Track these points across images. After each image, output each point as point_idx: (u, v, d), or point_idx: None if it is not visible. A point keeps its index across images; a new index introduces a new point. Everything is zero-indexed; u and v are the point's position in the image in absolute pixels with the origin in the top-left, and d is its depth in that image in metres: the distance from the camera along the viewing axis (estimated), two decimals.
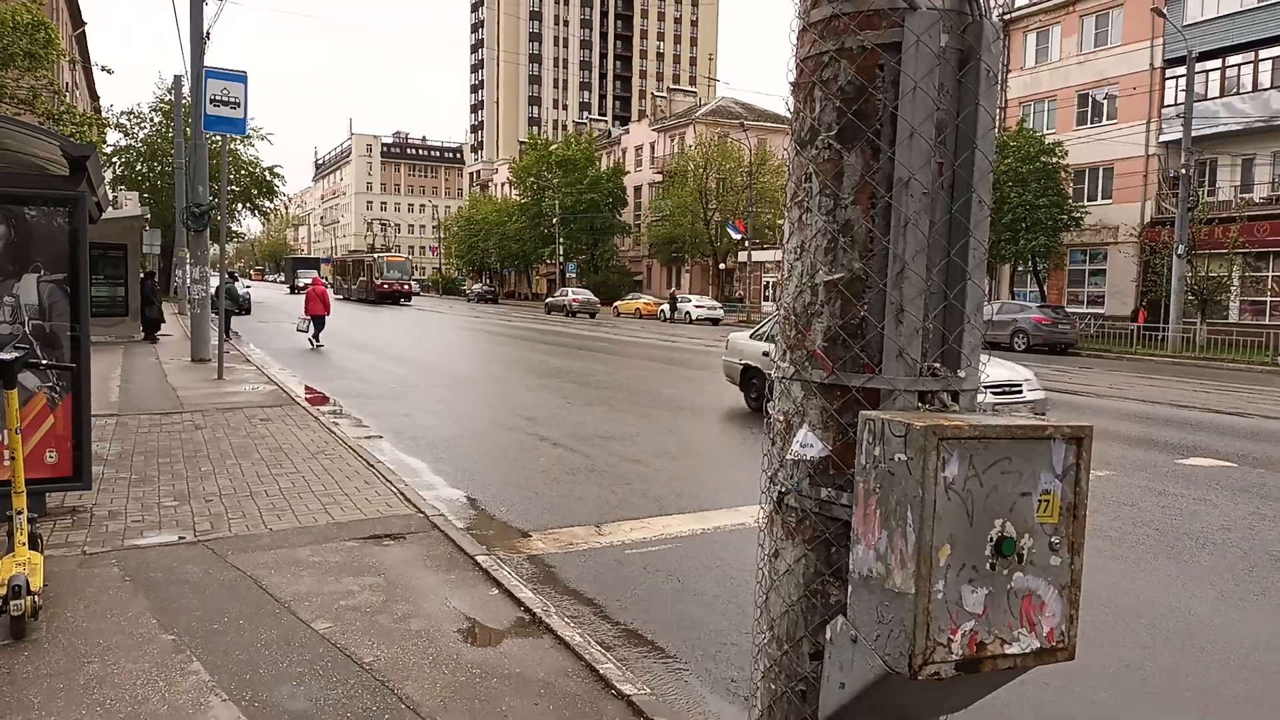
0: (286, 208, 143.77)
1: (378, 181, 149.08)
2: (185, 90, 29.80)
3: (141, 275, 24.19)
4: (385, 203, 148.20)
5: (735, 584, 5.65)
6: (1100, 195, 37.21)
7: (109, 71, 23.04)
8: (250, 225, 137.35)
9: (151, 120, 48.37)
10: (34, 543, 4.93)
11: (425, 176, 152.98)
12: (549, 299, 57.58)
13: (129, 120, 47.49)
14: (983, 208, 1.94)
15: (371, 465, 8.44)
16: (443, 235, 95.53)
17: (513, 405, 13.77)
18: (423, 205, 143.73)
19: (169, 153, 41.99)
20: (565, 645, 4.51)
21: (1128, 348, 30.50)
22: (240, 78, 14.76)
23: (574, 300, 51.84)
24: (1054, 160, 34.49)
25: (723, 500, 7.80)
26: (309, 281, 26.06)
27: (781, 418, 2.09)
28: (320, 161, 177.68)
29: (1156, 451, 10.65)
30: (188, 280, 20.12)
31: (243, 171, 49.38)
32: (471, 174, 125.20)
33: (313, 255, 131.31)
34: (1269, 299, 32.10)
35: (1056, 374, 21.45)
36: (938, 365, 1.92)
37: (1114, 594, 5.63)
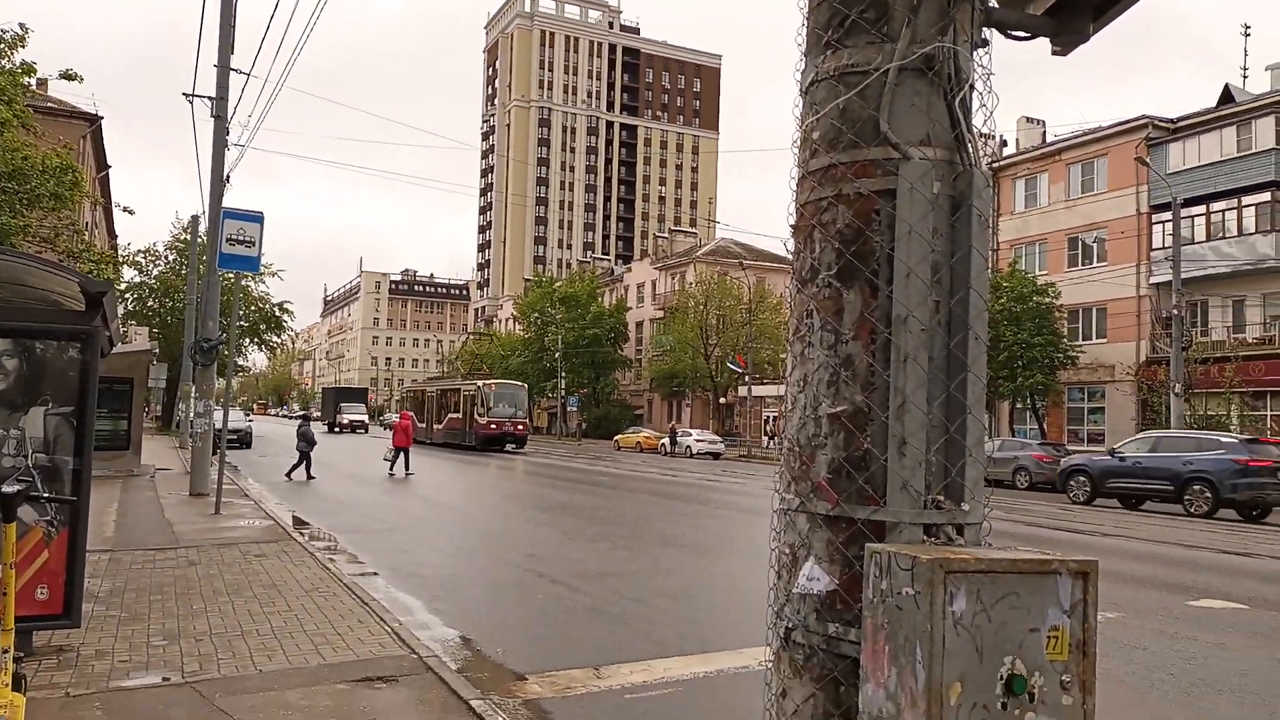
0: (293, 342, 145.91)
1: (384, 317, 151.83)
2: (202, 229, 30.79)
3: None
4: (390, 338, 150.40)
5: None
6: (1095, 334, 37.79)
7: (130, 212, 23.87)
8: (256, 359, 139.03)
9: (166, 258, 49.68)
10: (17, 683, 4.77)
11: (431, 312, 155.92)
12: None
13: (144, 258, 48.83)
14: (979, 344, 2.00)
15: (366, 604, 8.25)
16: (446, 370, 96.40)
17: (512, 541, 13.57)
18: (427, 340, 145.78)
19: (181, 289, 42.94)
20: None
21: None
22: (257, 218, 15.27)
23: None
24: (1047, 300, 35.24)
25: (727, 641, 7.59)
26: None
27: (788, 550, 2.08)
28: (329, 298, 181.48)
29: (1167, 593, 10.42)
30: (191, 414, 20.26)
31: (253, 307, 50.33)
32: (477, 310, 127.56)
33: (356, 386, 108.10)
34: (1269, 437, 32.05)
35: (1062, 512, 21.20)
36: (942, 498, 1.93)
37: None
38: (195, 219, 35.32)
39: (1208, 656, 7.47)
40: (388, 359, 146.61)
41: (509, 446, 43.10)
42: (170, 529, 12.84)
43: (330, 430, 66.74)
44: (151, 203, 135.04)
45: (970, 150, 2.06)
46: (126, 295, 48.13)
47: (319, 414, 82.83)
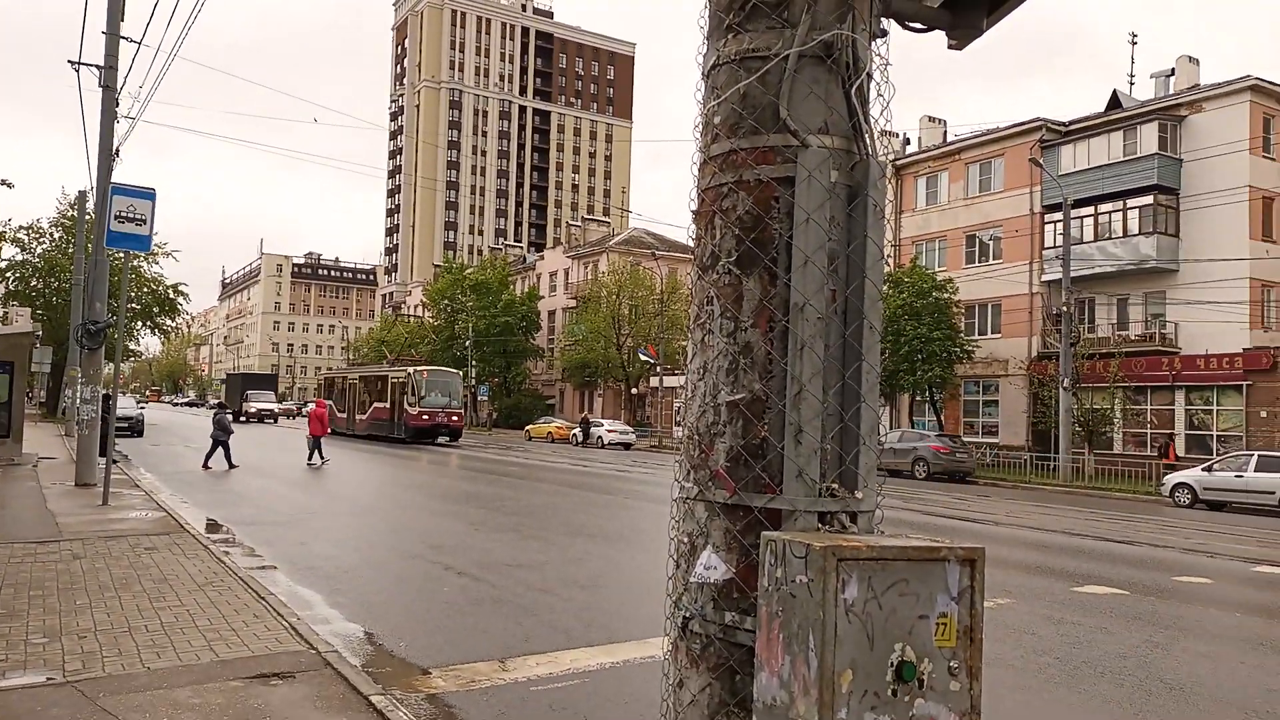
0: (189, 327, 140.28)
1: (286, 301, 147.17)
2: (90, 205, 29.24)
3: None
4: (293, 323, 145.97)
5: None
6: (990, 330, 39.24)
7: (9, 185, 22.51)
8: (149, 344, 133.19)
9: (51, 236, 47.05)
10: None
11: (336, 297, 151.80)
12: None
13: (27, 235, 46.14)
14: (874, 333, 2.01)
15: (262, 598, 7.98)
16: (352, 357, 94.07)
17: (417, 532, 13.33)
18: (332, 326, 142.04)
19: (67, 269, 40.72)
20: None
21: (1022, 476, 31.62)
22: (149, 195, 14.57)
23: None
24: (945, 296, 36.42)
25: (633, 631, 7.60)
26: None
27: (686, 539, 2.07)
28: (228, 280, 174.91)
29: (1054, 579, 10.90)
30: (77, 400, 19.24)
31: (145, 289, 48.10)
32: (385, 295, 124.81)
33: (262, 372, 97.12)
34: (1149, 431, 33.88)
35: (958, 501, 21.99)
36: (836, 486, 1.94)
37: None
38: (83, 194, 33.51)
39: (1091, 640, 7.83)
40: (290, 345, 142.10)
41: (441, 439, 40.07)
42: (53, 520, 12.18)
43: (236, 420, 63.75)
44: (36, 176, 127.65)
45: (867, 140, 2.07)
46: (7, 274, 45.44)
47: (177, 398, 76.81)
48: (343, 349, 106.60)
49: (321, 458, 25.52)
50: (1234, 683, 6.73)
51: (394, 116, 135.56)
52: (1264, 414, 30.51)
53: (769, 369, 1.99)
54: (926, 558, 1.77)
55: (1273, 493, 22.15)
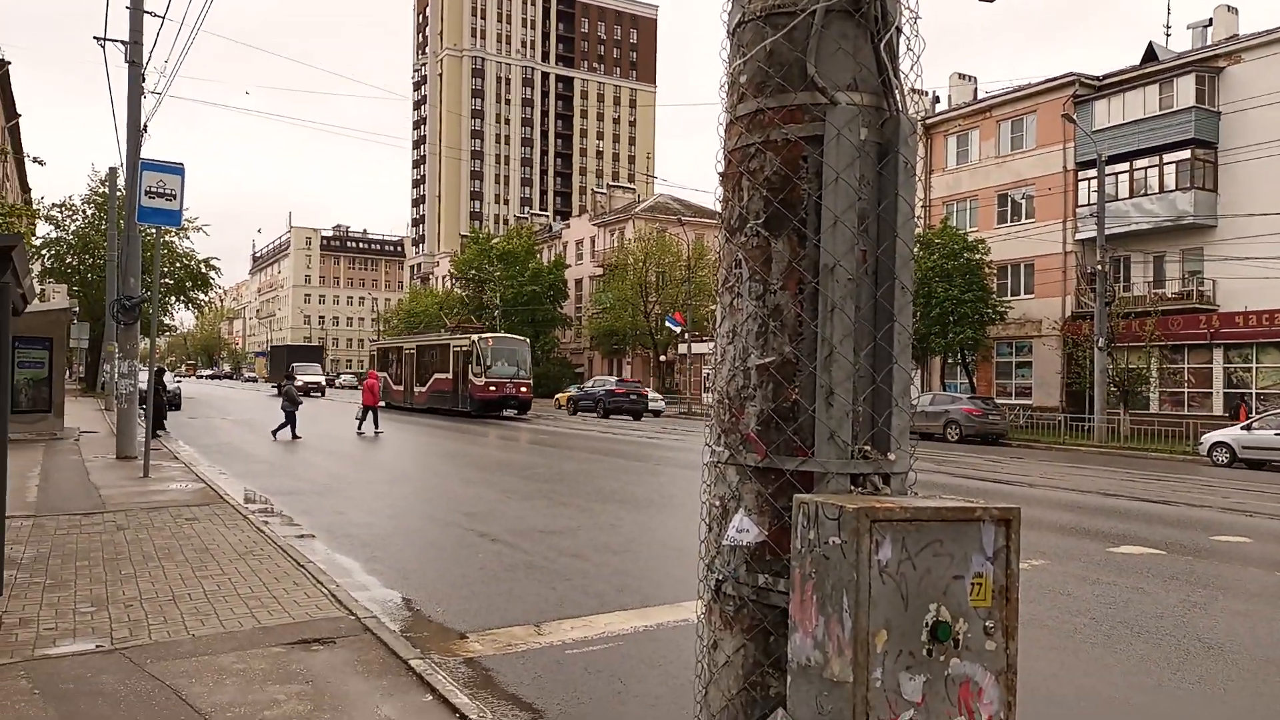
0: (222, 300, 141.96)
1: (316, 274, 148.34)
2: (120, 182, 29.54)
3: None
4: (324, 295, 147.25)
5: (679, 683, 5.49)
6: (1023, 290, 38.70)
7: (41, 163, 22.84)
8: (183, 318, 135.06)
9: (84, 213, 47.63)
10: None
11: (365, 269, 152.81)
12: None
13: (60, 212, 46.74)
14: (905, 294, 1.99)
15: (301, 566, 8.13)
16: (382, 328, 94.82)
17: (451, 501, 13.48)
18: (362, 298, 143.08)
19: (101, 245, 41.22)
20: None
21: (1056, 438, 31.32)
22: (177, 170, 14.68)
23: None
24: (977, 256, 35.91)
25: (665, 595, 7.66)
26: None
27: (718, 503, 2.07)
28: (258, 254, 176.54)
29: (1089, 540, 10.82)
30: (115, 375, 19.60)
31: (177, 264, 48.67)
32: (413, 267, 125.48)
33: (306, 344, 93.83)
34: (1186, 390, 33.38)
35: (990, 464, 21.84)
36: (868, 448, 1.93)
37: (1054, 684, 5.61)
38: (114, 171, 33.82)
39: (1127, 600, 7.78)
40: (321, 317, 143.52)
41: (509, 412, 37.22)
42: (96, 493, 12.45)
43: (279, 393, 63.30)
44: (67, 152, 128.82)
45: (897, 96, 2.03)
46: (42, 251, 46.10)
47: (268, 376, 73.36)
48: (373, 320, 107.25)
49: (376, 428, 26.32)
50: (1273, 640, 6.67)
51: (417, 86, 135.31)
52: None
53: (799, 331, 1.97)
54: (961, 518, 1.76)
55: None
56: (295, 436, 23.21)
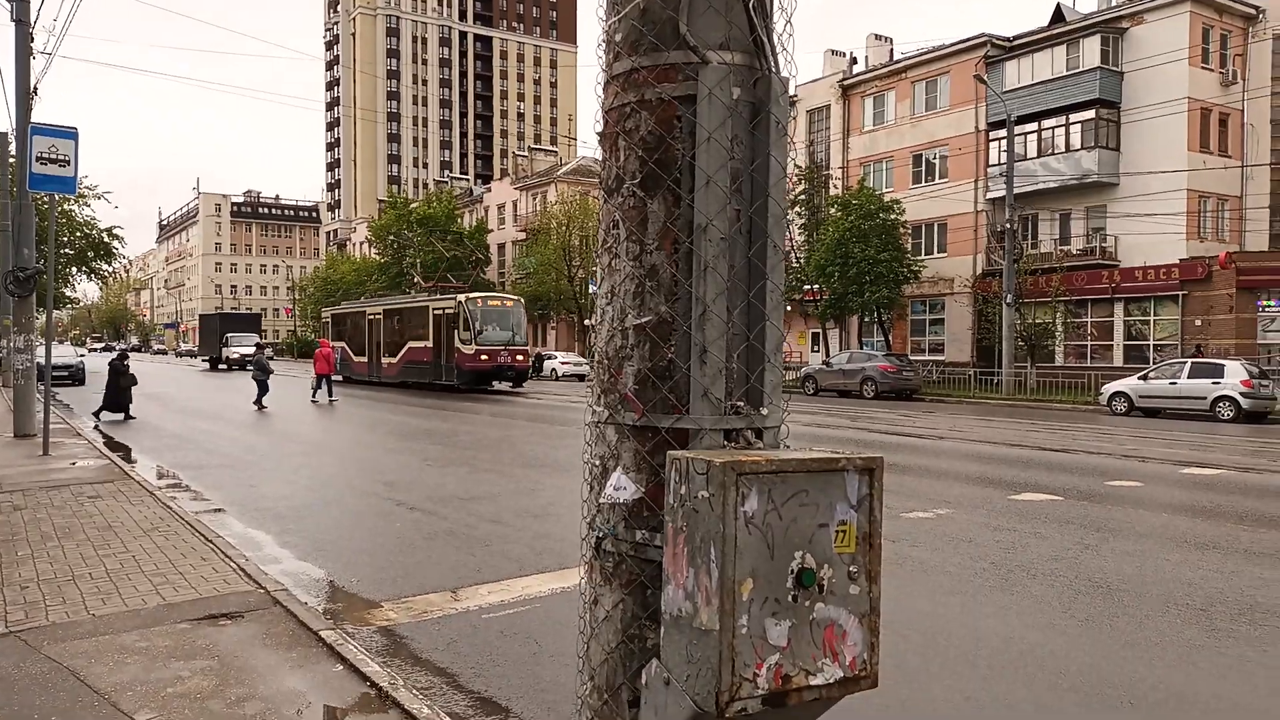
0: (127, 271, 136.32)
1: (227, 242, 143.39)
2: (11, 148, 27.96)
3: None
4: (235, 264, 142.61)
5: None
6: (936, 249, 39.68)
7: None
8: (86, 290, 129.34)
9: None
10: None
11: (279, 236, 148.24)
12: None
13: None
14: (777, 252, 2.02)
15: (210, 541, 7.95)
16: (297, 296, 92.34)
17: (370, 470, 13.32)
18: (276, 266, 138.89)
19: None
20: (412, 718, 4.33)
21: (966, 392, 32.39)
22: (70, 134, 14.00)
23: None
24: (892, 217, 36.63)
25: None
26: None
27: (598, 462, 2.09)
28: (165, 223, 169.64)
29: (993, 489, 11.26)
30: (11, 350, 18.73)
31: (77, 234, 46.43)
32: (329, 233, 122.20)
33: (242, 312, 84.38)
34: (1089, 343, 34.79)
35: (903, 418, 22.48)
36: (741, 403, 1.97)
37: (954, 627, 5.86)
38: (3, 137, 32.02)
39: (1025, 545, 8.14)
40: (233, 286, 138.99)
41: (501, 384, 32.99)
42: None
43: (214, 368, 55.37)
44: None
45: (770, 55, 2.05)
46: None
47: (197, 349, 67.77)
48: (288, 289, 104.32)
49: (330, 396, 26.67)
50: (1157, 578, 7.07)
51: (329, 46, 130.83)
52: (1198, 322, 31.44)
53: (675, 291, 1.99)
54: (826, 469, 1.81)
55: (1204, 398, 22.99)
56: (261, 407, 23.39)
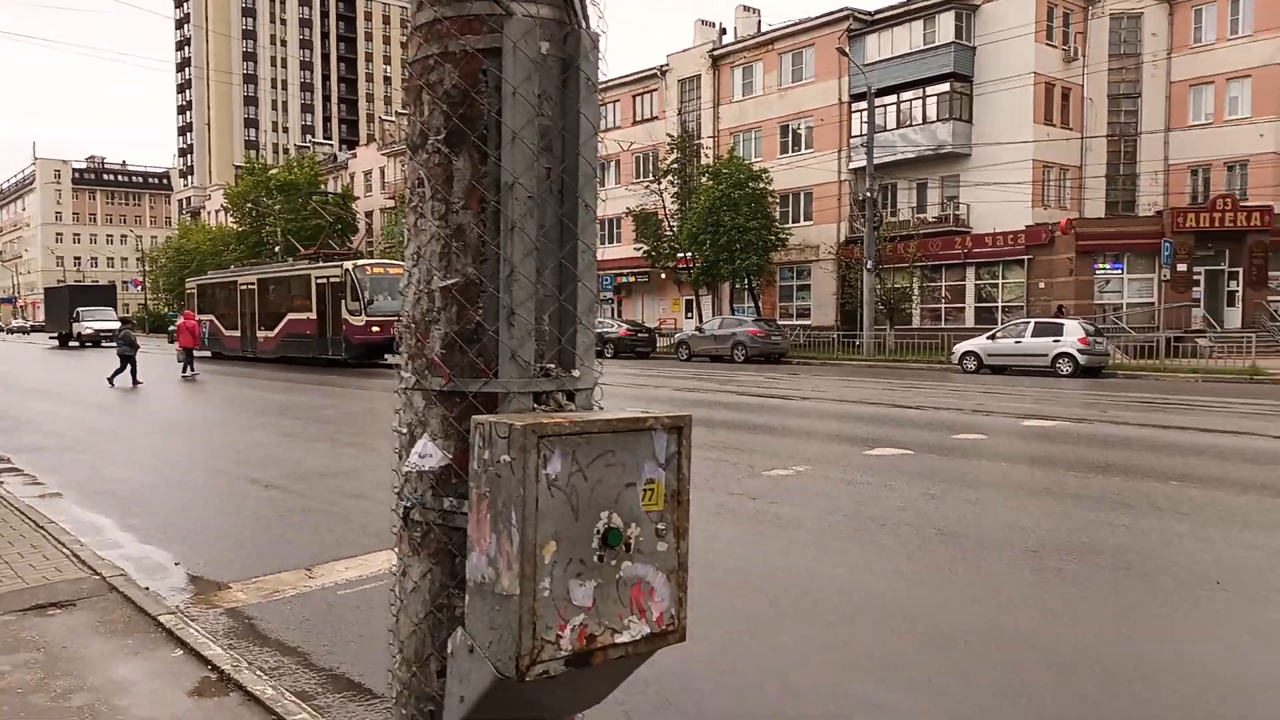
0: None
1: (68, 211, 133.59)
2: None
3: None
4: (79, 234, 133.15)
5: None
6: (803, 217, 40.75)
7: None
8: None
9: None
10: None
11: (126, 205, 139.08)
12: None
13: None
14: (589, 212, 1.99)
15: (41, 527, 7.44)
16: (148, 268, 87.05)
17: (224, 448, 12.74)
18: (124, 236, 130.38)
19: None
20: (255, 700, 4.17)
21: (830, 355, 33.59)
22: None
23: None
24: (761, 186, 37.35)
25: None
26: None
27: (406, 430, 2.03)
28: None
29: (849, 445, 11.72)
30: None
31: None
32: (181, 201, 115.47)
33: (94, 284, 72.27)
34: (943, 306, 36.53)
35: (770, 381, 23.09)
36: (551, 366, 1.94)
37: (806, 578, 6.08)
38: None
39: (876, 497, 8.50)
40: (76, 258, 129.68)
41: (394, 359, 28.71)
42: None
43: (65, 345, 51.09)
44: None
45: (580, 10, 2.00)
46: None
47: (45, 324, 62.40)
48: (138, 260, 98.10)
49: (191, 369, 26.02)
50: (994, 523, 7.52)
51: (179, 3, 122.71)
52: (1042, 285, 33.43)
53: (482, 252, 1.94)
54: (633, 429, 1.81)
55: (1045, 355, 24.52)
56: (134, 383, 22.36)
